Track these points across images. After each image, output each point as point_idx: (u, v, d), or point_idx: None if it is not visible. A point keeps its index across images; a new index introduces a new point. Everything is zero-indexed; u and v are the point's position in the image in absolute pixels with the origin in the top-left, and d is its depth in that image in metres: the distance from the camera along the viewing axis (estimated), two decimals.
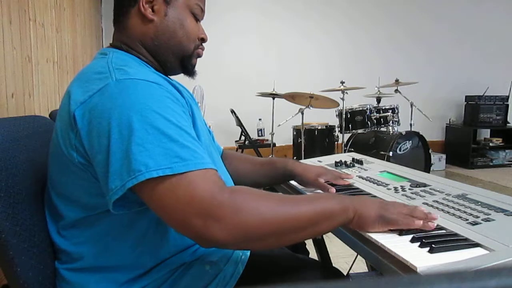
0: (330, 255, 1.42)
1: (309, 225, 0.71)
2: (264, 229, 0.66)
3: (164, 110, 0.69)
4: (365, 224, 0.74)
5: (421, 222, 0.73)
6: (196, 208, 0.64)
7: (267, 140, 4.22)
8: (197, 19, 0.92)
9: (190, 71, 0.95)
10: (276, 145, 4.08)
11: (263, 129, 4.38)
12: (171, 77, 0.94)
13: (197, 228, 0.64)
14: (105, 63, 0.76)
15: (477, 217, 0.75)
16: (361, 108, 3.67)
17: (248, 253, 0.89)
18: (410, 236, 0.70)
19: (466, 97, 5.04)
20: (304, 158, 2.20)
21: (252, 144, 3.91)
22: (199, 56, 0.95)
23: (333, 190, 1.02)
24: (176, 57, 0.91)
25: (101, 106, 0.70)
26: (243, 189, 0.70)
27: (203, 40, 0.94)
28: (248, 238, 0.66)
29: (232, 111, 3.88)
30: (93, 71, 0.76)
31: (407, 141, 3.49)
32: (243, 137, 4.01)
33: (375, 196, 0.94)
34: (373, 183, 1.06)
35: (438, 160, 4.64)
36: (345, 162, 1.32)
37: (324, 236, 1.39)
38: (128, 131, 0.66)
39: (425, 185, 0.98)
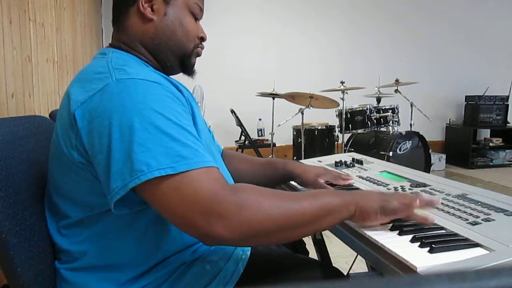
0: (330, 255, 1.42)
1: (312, 221, 0.72)
2: (268, 225, 0.67)
3: (164, 109, 0.69)
4: (367, 217, 0.75)
5: (419, 212, 0.75)
6: (199, 206, 0.64)
7: (267, 140, 4.22)
8: (196, 18, 0.92)
9: (189, 70, 0.95)
10: (276, 145, 4.08)
11: (263, 129, 4.38)
12: (171, 76, 0.94)
13: (201, 226, 0.64)
14: (105, 63, 0.76)
15: (477, 217, 0.75)
16: (361, 108, 3.67)
17: (249, 252, 0.89)
18: (410, 236, 0.70)
19: (466, 97, 5.04)
20: (304, 158, 2.20)
21: (252, 144, 3.91)
22: (199, 55, 0.95)
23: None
24: (176, 56, 0.91)
25: (101, 106, 0.70)
26: (246, 186, 0.70)
27: (202, 39, 0.94)
28: (252, 235, 0.67)
29: (232, 111, 3.88)
30: (93, 71, 0.76)
31: (407, 141, 3.49)
32: (243, 137, 4.01)
33: None
34: (373, 183, 1.06)
35: (438, 160, 4.64)
36: (345, 162, 1.32)
37: (324, 236, 1.40)
38: (129, 131, 0.66)
39: (425, 185, 0.98)
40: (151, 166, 0.64)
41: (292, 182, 1.14)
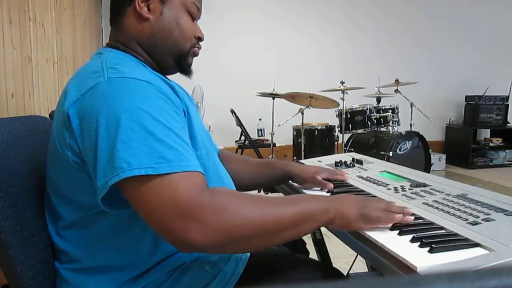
0: (330, 255, 1.42)
1: (291, 226, 0.71)
2: (246, 230, 0.66)
3: (153, 109, 0.69)
4: (347, 223, 0.75)
5: (400, 216, 0.75)
6: (176, 209, 0.63)
7: (267, 140, 4.22)
8: (194, 18, 0.92)
9: (186, 71, 0.94)
10: (276, 145, 4.08)
11: (263, 129, 4.38)
12: (169, 76, 0.94)
13: (177, 230, 0.63)
14: (100, 62, 0.76)
15: (477, 217, 0.75)
16: (361, 108, 3.67)
17: (249, 252, 0.88)
18: (410, 236, 0.70)
19: (466, 97, 5.03)
20: (304, 158, 2.20)
21: (252, 144, 3.91)
22: (195, 55, 0.94)
23: (331, 185, 1.03)
24: (172, 56, 0.90)
25: (91, 104, 0.70)
26: (225, 191, 0.70)
27: (199, 39, 0.94)
28: (229, 241, 0.65)
29: (232, 111, 3.88)
30: (88, 70, 0.76)
31: (407, 141, 3.49)
32: (243, 137, 4.01)
33: (374, 196, 0.94)
34: (373, 183, 1.06)
35: (438, 160, 4.64)
36: (345, 162, 1.32)
37: (324, 236, 1.40)
38: (115, 129, 0.66)
39: (425, 185, 0.98)
40: (131, 165, 0.63)
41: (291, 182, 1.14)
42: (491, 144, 4.88)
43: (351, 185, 1.07)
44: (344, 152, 3.51)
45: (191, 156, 0.69)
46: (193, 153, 0.71)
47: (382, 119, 3.68)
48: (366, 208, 0.76)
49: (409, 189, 0.97)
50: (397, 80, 3.75)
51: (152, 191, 0.64)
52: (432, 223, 0.75)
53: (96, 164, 0.66)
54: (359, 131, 3.68)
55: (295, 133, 3.87)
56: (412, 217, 0.76)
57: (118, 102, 0.68)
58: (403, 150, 3.47)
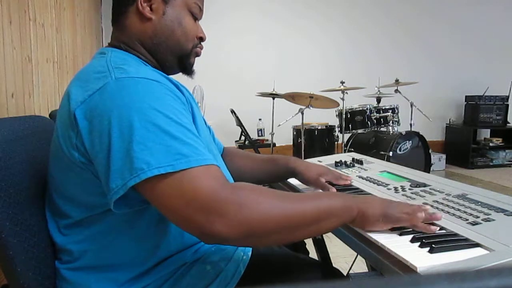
0: (330, 255, 1.41)
1: (312, 222, 0.71)
2: (267, 225, 0.66)
3: (164, 107, 0.69)
4: (368, 223, 0.75)
5: (423, 224, 0.73)
6: (199, 204, 0.64)
7: (267, 140, 4.22)
8: (196, 18, 0.92)
9: (188, 70, 0.95)
10: (276, 145, 4.08)
11: (263, 129, 4.38)
12: (171, 76, 0.94)
13: (201, 224, 0.63)
14: (104, 62, 0.76)
15: (477, 217, 0.75)
16: (361, 108, 3.67)
17: (250, 253, 0.89)
18: (410, 236, 0.70)
19: (466, 97, 5.03)
20: (304, 158, 2.20)
21: (252, 144, 3.91)
22: (198, 55, 0.95)
23: (334, 190, 1.02)
24: (175, 56, 0.91)
25: (101, 105, 0.70)
26: (246, 185, 0.70)
27: (201, 39, 0.94)
28: (251, 234, 0.66)
29: (232, 111, 3.88)
30: (93, 70, 0.76)
31: (407, 141, 3.49)
32: (243, 137, 4.01)
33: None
34: (373, 183, 1.06)
35: (438, 160, 4.64)
36: (345, 162, 1.32)
37: (324, 236, 1.39)
38: (129, 130, 0.66)
39: (425, 185, 0.98)
40: (150, 165, 0.64)
41: (291, 181, 1.14)
42: (491, 144, 4.88)
43: (350, 185, 1.07)
44: (344, 152, 3.51)
45: (205, 150, 0.70)
46: (205, 147, 0.72)
47: (382, 119, 3.68)
48: (391, 209, 0.75)
49: (409, 189, 0.97)
50: (397, 80, 3.74)
51: (173, 187, 0.64)
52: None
53: (109, 166, 0.67)
54: (359, 131, 3.68)
55: (295, 133, 3.87)
56: (437, 228, 0.73)
57: (129, 103, 0.68)
58: (403, 150, 3.47)
